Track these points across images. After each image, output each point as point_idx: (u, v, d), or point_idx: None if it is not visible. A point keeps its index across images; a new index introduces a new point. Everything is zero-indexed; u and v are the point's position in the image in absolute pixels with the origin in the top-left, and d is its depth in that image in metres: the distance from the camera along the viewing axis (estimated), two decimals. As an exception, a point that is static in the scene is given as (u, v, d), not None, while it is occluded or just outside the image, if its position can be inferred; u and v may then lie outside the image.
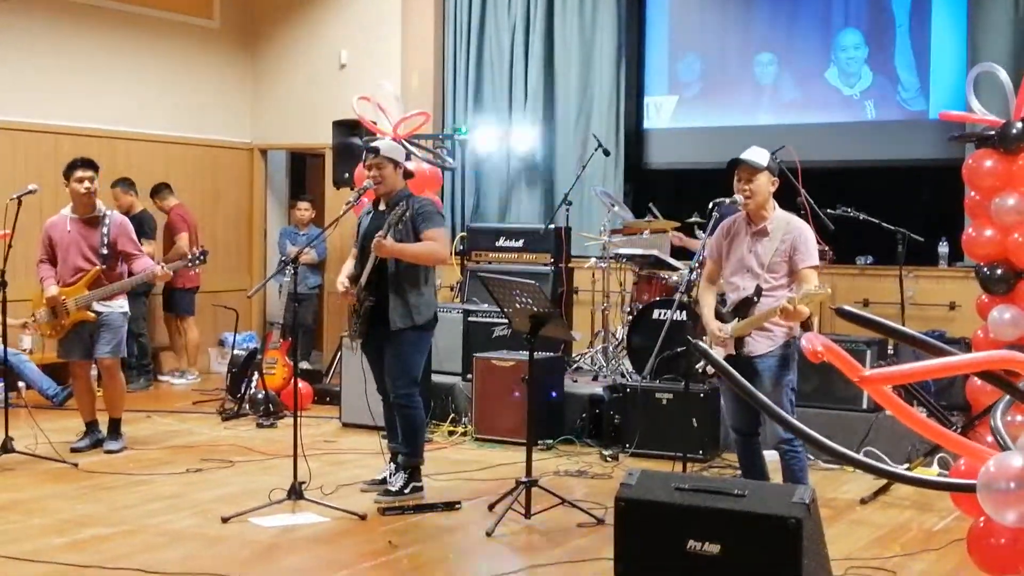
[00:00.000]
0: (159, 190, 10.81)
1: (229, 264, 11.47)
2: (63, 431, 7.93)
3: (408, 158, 7.16)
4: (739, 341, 5.65)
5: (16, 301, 7.77)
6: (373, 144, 6.62)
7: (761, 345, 5.64)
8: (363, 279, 6.39)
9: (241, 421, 8.88)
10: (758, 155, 5.70)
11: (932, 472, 6.63)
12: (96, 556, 5.35)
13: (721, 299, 5.89)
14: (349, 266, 6.65)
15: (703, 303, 5.91)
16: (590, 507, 6.10)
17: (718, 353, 5.71)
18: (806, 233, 5.67)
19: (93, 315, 7.49)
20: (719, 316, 5.79)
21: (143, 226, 10.33)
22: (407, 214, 6.30)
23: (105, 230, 7.53)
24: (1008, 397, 3.68)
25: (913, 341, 3.18)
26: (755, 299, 5.62)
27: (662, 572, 4.69)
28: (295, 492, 6.21)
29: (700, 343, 4.09)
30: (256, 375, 9.20)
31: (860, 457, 3.44)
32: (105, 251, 7.51)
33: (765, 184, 5.67)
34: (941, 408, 7.03)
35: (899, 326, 3.12)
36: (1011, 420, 6.23)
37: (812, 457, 7.10)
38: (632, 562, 4.75)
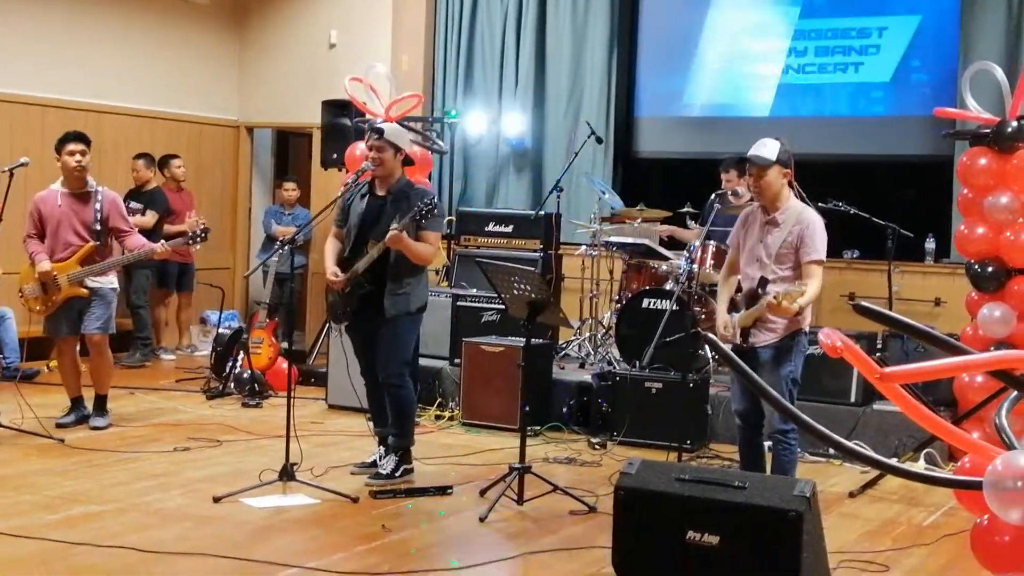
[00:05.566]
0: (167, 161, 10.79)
1: (212, 242, 11.36)
2: (49, 406, 7.87)
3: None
4: (744, 332, 5.65)
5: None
6: (378, 125, 6.58)
7: (764, 336, 5.63)
8: (361, 265, 6.33)
9: (226, 400, 8.84)
10: (767, 149, 5.63)
11: (918, 468, 6.68)
12: (89, 534, 5.32)
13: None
14: (333, 248, 6.51)
15: (719, 294, 5.93)
16: (581, 495, 6.12)
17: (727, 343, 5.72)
18: (815, 226, 5.62)
19: (86, 291, 7.43)
20: (734, 305, 5.80)
21: (154, 199, 10.33)
22: (416, 207, 6.22)
23: (98, 206, 7.47)
24: (1015, 394, 3.69)
25: (932, 339, 3.19)
26: (759, 290, 5.60)
27: (660, 562, 4.71)
28: (287, 473, 6.20)
29: (708, 334, 4.11)
30: (241, 354, 9.16)
31: (871, 454, 3.46)
32: (99, 227, 7.45)
33: (776, 178, 5.62)
34: (928, 404, 7.07)
35: (918, 324, 3.13)
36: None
37: (800, 450, 7.14)
38: (630, 551, 4.77)
